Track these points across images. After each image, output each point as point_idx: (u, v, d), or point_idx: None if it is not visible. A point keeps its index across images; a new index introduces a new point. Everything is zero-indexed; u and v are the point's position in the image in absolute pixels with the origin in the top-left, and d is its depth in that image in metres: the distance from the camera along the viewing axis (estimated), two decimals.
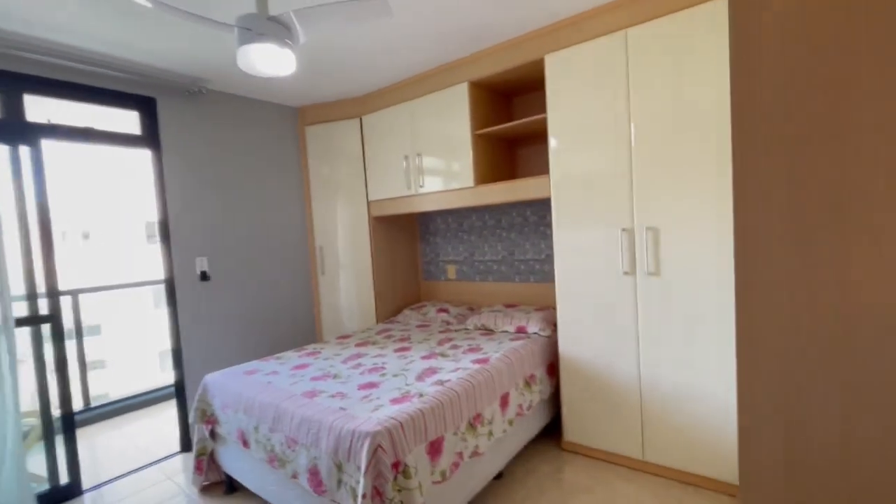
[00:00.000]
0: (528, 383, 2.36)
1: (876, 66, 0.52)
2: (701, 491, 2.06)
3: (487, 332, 2.80)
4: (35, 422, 2.30)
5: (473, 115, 2.72)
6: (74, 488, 2.33)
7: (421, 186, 2.99)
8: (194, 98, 2.79)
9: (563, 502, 2.05)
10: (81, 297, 3.39)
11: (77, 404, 3.41)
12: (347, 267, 3.41)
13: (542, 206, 2.96)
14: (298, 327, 3.41)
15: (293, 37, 1.69)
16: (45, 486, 2.26)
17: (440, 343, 2.60)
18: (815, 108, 0.55)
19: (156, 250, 2.70)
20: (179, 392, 2.73)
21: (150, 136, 2.63)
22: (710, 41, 1.89)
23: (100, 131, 2.47)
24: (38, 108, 2.31)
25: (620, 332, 2.26)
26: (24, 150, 2.17)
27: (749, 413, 0.61)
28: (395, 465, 1.55)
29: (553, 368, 2.59)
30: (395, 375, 2.10)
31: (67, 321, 3.47)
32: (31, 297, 2.21)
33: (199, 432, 2.27)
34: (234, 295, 3.00)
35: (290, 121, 3.38)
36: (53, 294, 2.26)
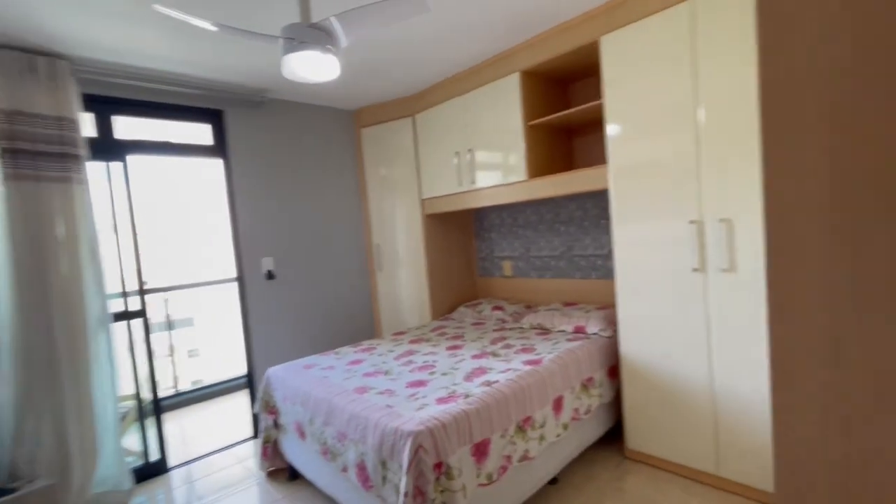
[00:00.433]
0: (585, 386, 2.24)
1: None
2: None
3: (543, 331, 2.69)
4: (131, 404, 2.59)
5: (526, 105, 2.62)
6: (162, 465, 2.60)
7: (472, 182, 2.94)
8: (257, 108, 2.97)
9: None
10: (175, 292, 3.77)
11: (168, 390, 3.82)
12: (403, 264, 3.46)
13: (603, 198, 2.79)
14: (357, 323, 3.52)
15: (335, 41, 1.72)
16: (140, 462, 2.54)
17: (493, 342, 2.55)
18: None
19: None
20: (249, 382, 2.94)
21: (220, 146, 2.85)
22: None
23: (177, 144, 2.72)
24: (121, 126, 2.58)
25: (689, 334, 2.06)
26: (116, 166, 2.45)
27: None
28: (438, 466, 1.53)
29: (614, 371, 2.43)
30: (443, 374, 2.09)
31: (160, 316, 3.88)
32: (124, 294, 2.49)
33: (263, 421, 2.43)
34: (297, 292, 3.17)
35: (346, 124, 3.49)
36: (142, 292, 2.53)
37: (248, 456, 2.73)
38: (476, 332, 2.83)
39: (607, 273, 2.83)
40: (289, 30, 1.63)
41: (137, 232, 2.49)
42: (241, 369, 3.09)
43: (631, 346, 2.29)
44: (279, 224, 3.09)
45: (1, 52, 1.99)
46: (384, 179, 3.48)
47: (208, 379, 4.19)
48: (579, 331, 2.55)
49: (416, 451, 1.50)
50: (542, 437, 1.94)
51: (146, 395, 2.58)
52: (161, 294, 3.62)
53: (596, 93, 2.51)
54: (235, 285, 2.96)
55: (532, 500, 2.01)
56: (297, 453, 2.27)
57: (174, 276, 3.71)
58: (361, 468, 1.72)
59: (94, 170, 2.34)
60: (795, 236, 0.47)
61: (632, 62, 2.12)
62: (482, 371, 2.08)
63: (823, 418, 0.46)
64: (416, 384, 2.00)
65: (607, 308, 2.66)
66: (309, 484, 2.30)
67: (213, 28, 1.58)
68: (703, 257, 1.98)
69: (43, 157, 2.08)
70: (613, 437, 2.50)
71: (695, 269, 2.01)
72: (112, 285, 2.39)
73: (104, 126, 2.43)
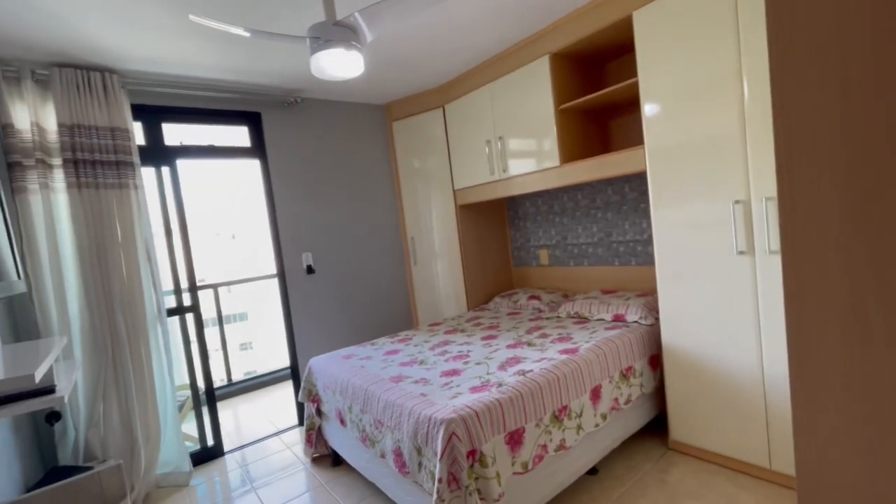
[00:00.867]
0: (624, 376, 2.18)
1: None
2: None
3: (581, 320, 2.63)
4: (188, 393, 2.78)
5: (556, 89, 2.55)
6: (217, 450, 2.78)
7: (505, 171, 2.90)
8: (292, 108, 3.06)
9: None
10: (228, 288, 3.99)
11: (221, 381, 4.06)
12: (438, 256, 3.48)
13: (642, 181, 2.68)
14: (394, 314, 3.59)
15: (360, 38, 1.74)
16: (197, 447, 2.73)
17: (529, 332, 2.53)
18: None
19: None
20: (294, 372, 3.07)
21: (258, 147, 2.97)
22: None
23: (220, 147, 2.86)
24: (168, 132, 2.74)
25: (736, 320, 1.95)
26: (165, 170, 2.61)
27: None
28: (472, 454, 1.55)
29: (656, 360, 2.35)
30: (477, 364, 2.10)
31: (212, 311, 4.10)
32: (177, 291, 2.66)
33: (307, 409, 2.54)
34: (336, 286, 3.26)
35: (377, 118, 3.54)
36: (193, 288, 2.69)
37: (296, 442, 2.86)
38: (512, 321, 2.82)
39: (647, 259, 2.73)
40: (314, 29, 1.67)
41: (188, 231, 2.65)
42: (287, 360, 3.23)
43: (674, 333, 2.20)
44: (316, 220, 3.19)
45: (62, 71, 2.16)
46: (417, 172, 3.51)
47: (261, 369, 4.43)
48: (618, 319, 2.48)
49: (449, 438, 1.52)
50: (579, 427, 1.91)
51: (201, 384, 2.76)
52: (211, 290, 3.84)
53: (633, 71, 2.40)
54: (277, 281, 3.09)
55: (571, 490, 1.99)
56: (339, 440, 2.36)
57: (225, 273, 3.92)
58: (398, 454, 1.77)
59: (147, 175, 2.50)
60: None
61: (667, 36, 2.01)
62: (516, 360, 2.07)
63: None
64: (451, 373, 2.02)
65: (648, 295, 2.57)
66: (351, 469, 2.38)
67: (246, 34, 1.65)
68: (749, 239, 1.87)
69: (101, 166, 2.26)
70: (656, 428, 2.43)
71: (741, 252, 1.90)
72: (166, 282, 2.56)
73: (154, 133, 2.60)
